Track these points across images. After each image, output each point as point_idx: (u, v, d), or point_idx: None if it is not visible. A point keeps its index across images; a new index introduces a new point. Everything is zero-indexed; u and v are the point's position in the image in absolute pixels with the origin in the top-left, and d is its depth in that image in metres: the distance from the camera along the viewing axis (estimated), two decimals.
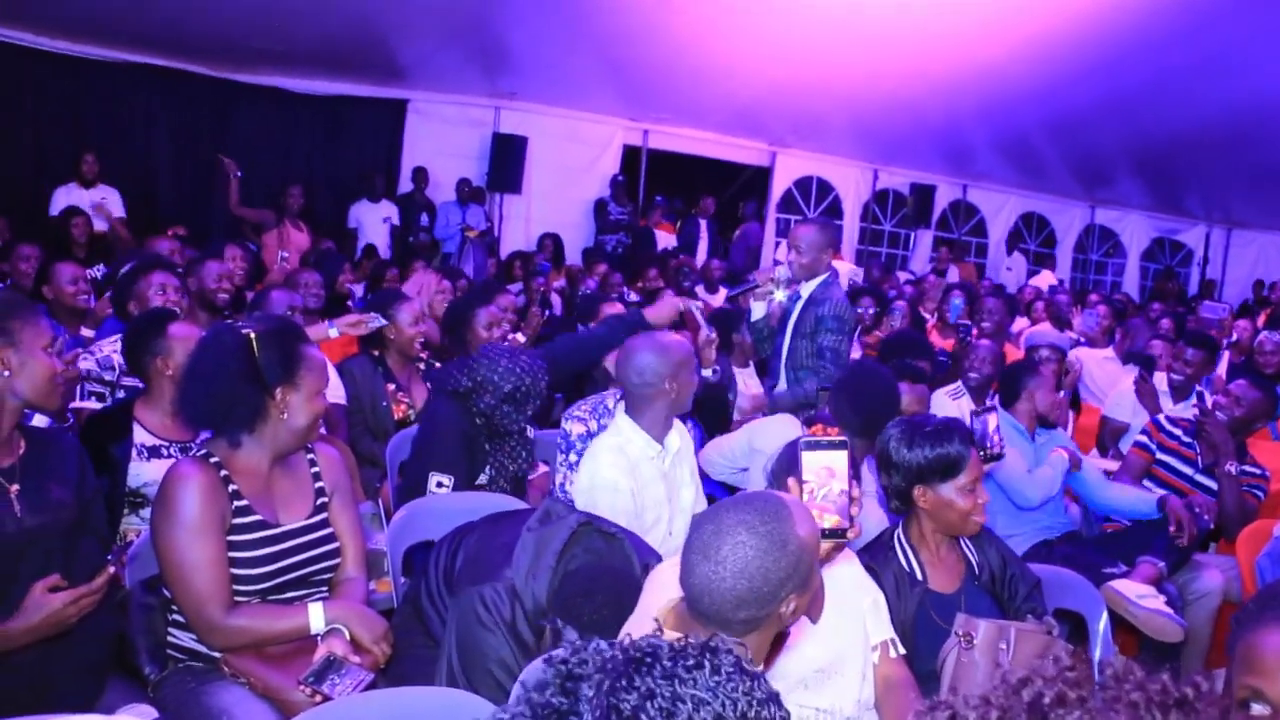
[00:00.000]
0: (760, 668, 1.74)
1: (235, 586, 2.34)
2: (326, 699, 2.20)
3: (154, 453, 3.12)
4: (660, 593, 1.89)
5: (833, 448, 1.99)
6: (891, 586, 2.64)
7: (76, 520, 2.39)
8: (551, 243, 10.48)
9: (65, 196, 8.05)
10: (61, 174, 8.35)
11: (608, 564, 2.35)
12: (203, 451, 2.40)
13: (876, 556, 2.72)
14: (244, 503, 2.38)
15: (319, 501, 2.56)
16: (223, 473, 2.37)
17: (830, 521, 1.97)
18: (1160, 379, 5.65)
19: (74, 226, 7.14)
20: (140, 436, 3.11)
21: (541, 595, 2.26)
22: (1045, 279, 12.25)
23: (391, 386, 4.43)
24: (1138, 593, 3.48)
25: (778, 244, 12.00)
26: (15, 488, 2.29)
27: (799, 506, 1.78)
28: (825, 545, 1.96)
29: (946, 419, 2.84)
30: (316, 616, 2.38)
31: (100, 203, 7.96)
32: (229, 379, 2.36)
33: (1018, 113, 10.61)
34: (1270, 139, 10.57)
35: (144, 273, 4.08)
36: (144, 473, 3.08)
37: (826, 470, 1.98)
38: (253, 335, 2.39)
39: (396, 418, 4.39)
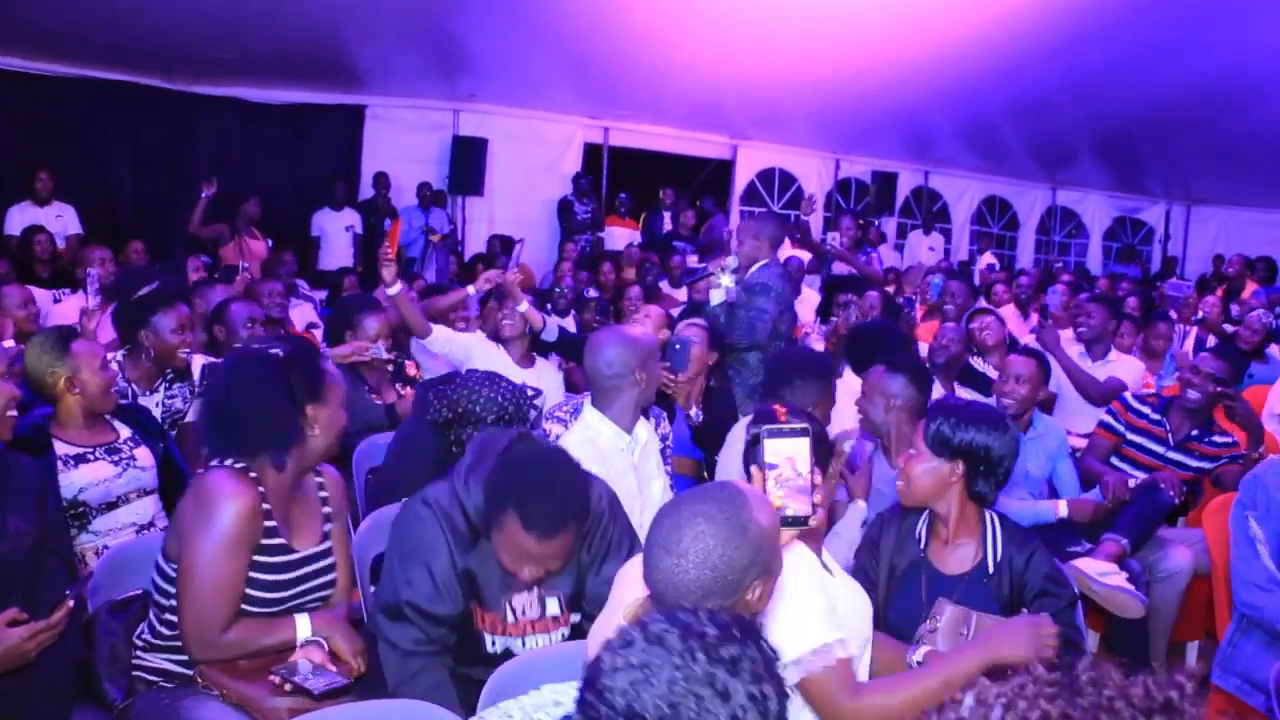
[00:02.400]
0: None
1: (247, 607, 2.34)
2: (298, 689, 2.21)
3: (80, 459, 3.11)
4: (628, 590, 1.89)
5: (795, 435, 1.99)
6: (893, 537, 2.75)
7: (36, 544, 2.34)
8: (500, 244, 10.29)
9: (20, 215, 7.95)
10: (14, 192, 8.22)
11: (553, 449, 2.51)
12: (241, 465, 2.37)
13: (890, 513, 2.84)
14: (272, 524, 2.38)
15: (325, 528, 2.55)
16: (260, 489, 2.36)
17: (794, 509, 1.96)
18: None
19: (36, 244, 7.06)
20: (62, 449, 3.09)
21: (478, 493, 2.34)
22: (985, 260, 12.38)
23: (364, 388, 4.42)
24: (1099, 570, 3.52)
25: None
26: None
27: (755, 494, 1.79)
28: (788, 533, 1.96)
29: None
30: (304, 628, 2.38)
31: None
32: (275, 401, 2.37)
33: (977, 98, 10.64)
34: (1226, 116, 10.70)
35: (164, 306, 3.88)
36: (75, 480, 3.07)
37: (789, 459, 1.98)
38: (282, 355, 2.41)
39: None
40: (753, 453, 2.18)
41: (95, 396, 3.18)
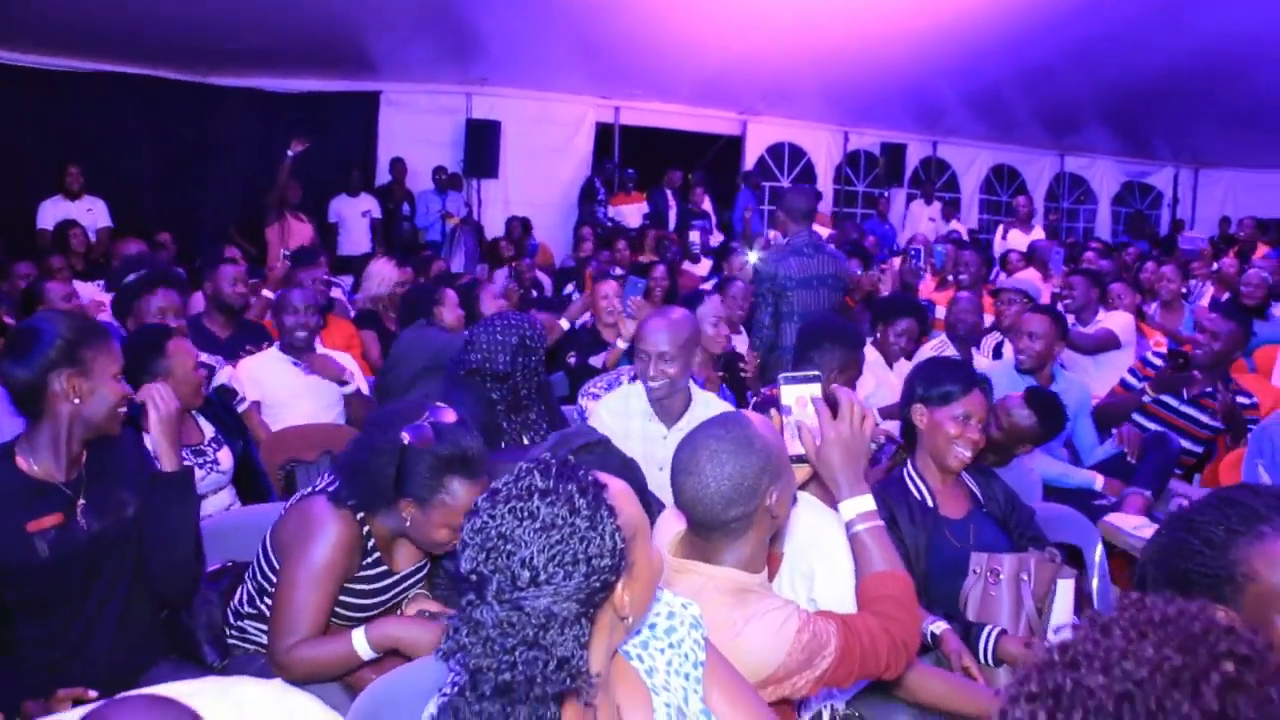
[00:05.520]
0: (764, 571, 2.02)
1: (338, 622, 2.41)
2: None
3: None
4: (665, 532, 2.13)
5: (807, 381, 2.19)
6: (906, 517, 2.85)
7: (137, 513, 2.44)
8: (520, 225, 10.49)
9: (52, 209, 8.11)
10: (45, 187, 8.40)
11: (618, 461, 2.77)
12: (351, 502, 2.40)
13: (891, 490, 2.91)
14: (375, 556, 2.44)
15: None
16: (365, 529, 2.41)
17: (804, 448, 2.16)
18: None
19: (71, 238, 7.20)
20: (149, 444, 3.19)
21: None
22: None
23: None
24: (1134, 524, 3.68)
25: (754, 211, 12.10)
26: (82, 502, 2.32)
27: (757, 416, 2.03)
28: (802, 471, 2.18)
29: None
30: (360, 643, 2.32)
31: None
32: (372, 470, 2.34)
33: (984, 66, 10.74)
34: (1233, 78, 10.77)
35: (148, 288, 4.04)
36: None
37: (802, 403, 2.17)
38: (407, 441, 2.33)
39: None
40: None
41: (186, 394, 3.21)
